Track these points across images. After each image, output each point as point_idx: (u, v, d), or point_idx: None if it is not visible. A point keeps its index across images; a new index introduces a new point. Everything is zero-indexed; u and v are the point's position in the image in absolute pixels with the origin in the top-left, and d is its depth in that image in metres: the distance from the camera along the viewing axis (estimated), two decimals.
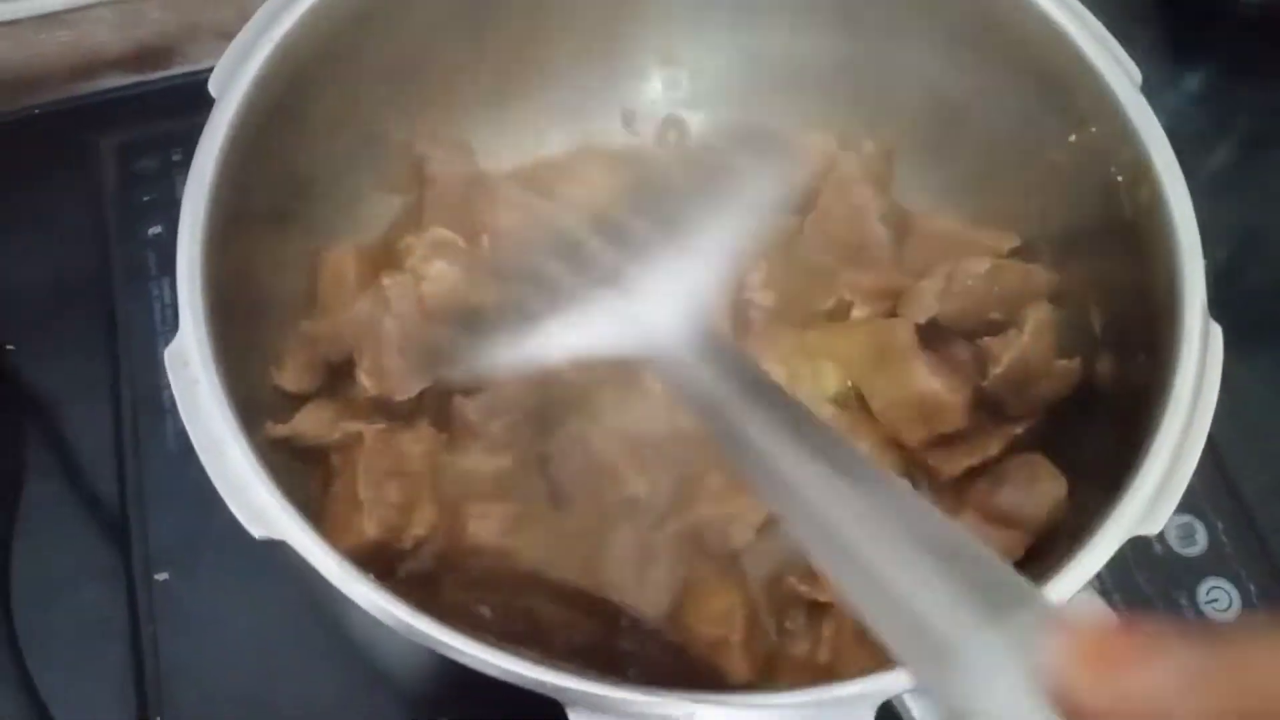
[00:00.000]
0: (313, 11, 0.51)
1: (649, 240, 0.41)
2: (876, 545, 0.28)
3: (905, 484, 0.33)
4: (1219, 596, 0.61)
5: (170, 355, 0.43)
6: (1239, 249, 0.74)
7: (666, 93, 0.66)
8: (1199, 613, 0.60)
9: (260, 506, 0.40)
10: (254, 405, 0.46)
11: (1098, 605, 0.45)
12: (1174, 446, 0.45)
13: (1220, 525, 0.62)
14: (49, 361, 0.65)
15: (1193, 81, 0.81)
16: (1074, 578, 0.42)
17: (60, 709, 0.55)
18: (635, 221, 0.43)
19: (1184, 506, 0.60)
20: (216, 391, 0.42)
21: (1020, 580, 0.26)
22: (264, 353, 0.54)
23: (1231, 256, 0.73)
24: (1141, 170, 0.51)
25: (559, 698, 0.36)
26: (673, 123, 0.67)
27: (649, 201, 0.45)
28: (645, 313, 0.38)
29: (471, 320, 0.52)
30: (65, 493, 0.61)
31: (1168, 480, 0.44)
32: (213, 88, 0.48)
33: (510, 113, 0.64)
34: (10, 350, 0.65)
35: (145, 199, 0.67)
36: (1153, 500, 0.44)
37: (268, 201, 0.52)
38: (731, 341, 0.44)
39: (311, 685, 0.55)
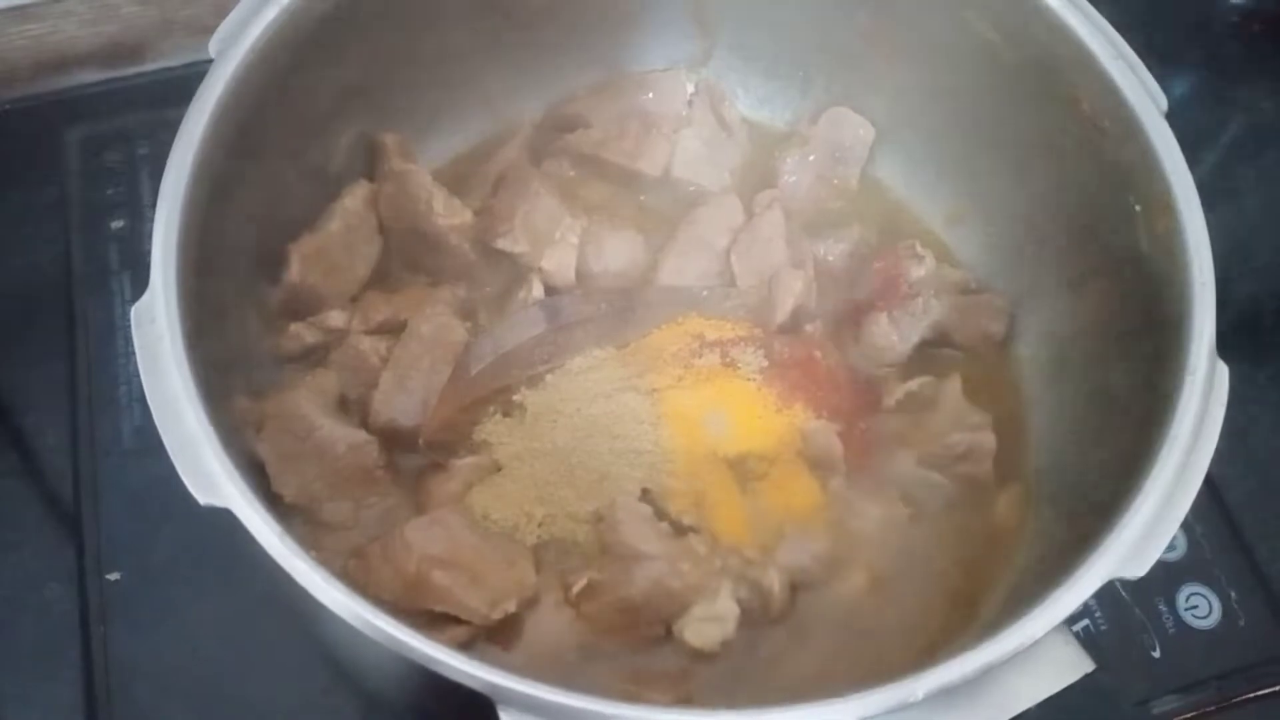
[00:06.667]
0: None
1: None
2: None
3: None
4: (1199, 603, 0.59)
5: (137, 311, 0.42)
6: (1226, 258, 0.73)
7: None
8: (1179, 619, 0.59)
9: (208, 472, 0.39)
10: (219, 372, 0.45)
11: (1070, 643, 0.42)
12: (1166, 488, 0.43)
13: (1200, 529, 0.61)
14: (9, 357, 0.64)
15: (1179, 87, 0.80)
16: (1048, 616, 0.40)
17: (9, 708, 0.54)
18: None
19: None
20: (179, 349, 0.41)
21: None
22: (236, 320, 0.53)
23: (1218, 266, 0.72)
24: (1161, 201, 0.49)
25: (490, 694, 0.34)
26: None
27: None
28: None
29: None
30: (20, 490, 0.60)
31: (1157, 523, 0.42)
32: (212, 48, 0.47)
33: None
34: None
35: (109, 192, 0.66)
36: (1140, 543, 0.42)
37: (257, 167, 0.51)
38: None
39: (262, 686, 0.54)
